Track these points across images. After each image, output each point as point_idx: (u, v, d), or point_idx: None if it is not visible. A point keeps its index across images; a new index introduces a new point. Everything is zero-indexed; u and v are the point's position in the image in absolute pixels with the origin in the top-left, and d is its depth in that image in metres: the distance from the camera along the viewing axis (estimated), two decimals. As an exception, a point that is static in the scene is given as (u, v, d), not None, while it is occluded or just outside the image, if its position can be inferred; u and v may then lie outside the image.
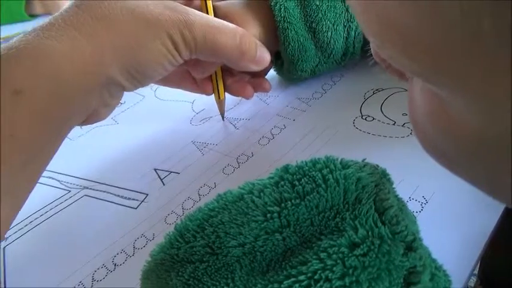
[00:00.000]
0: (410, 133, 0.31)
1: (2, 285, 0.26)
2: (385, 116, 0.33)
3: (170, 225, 0.27)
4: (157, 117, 0.39)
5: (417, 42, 0.10)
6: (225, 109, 0.36)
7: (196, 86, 0.33)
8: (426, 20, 0.10)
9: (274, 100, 0.38)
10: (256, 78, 0.35)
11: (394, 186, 0.16)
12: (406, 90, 0.37)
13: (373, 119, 0.33)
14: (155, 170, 0.32)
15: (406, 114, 0.33)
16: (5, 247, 0.28)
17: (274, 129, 0.34)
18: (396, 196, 0.16)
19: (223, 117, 0.36)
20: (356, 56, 0.37)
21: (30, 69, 0.19)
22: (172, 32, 0.23)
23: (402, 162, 0.27)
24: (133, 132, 0.37)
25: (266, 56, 0.29)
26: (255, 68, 0.29)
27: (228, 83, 0.33)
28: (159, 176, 0.31)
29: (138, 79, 0.24)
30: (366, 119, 0.33)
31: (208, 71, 0.31)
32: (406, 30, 0.10)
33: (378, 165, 0.16)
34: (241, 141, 0.33)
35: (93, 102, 0.23)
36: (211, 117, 0.37)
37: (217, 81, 0.32)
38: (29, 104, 0.19)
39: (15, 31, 0.67)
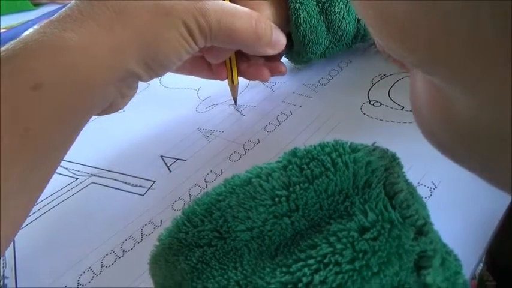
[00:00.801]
0: (419, 118, 0.30)
1: (13, 271, 0.26)
2: (393, 101, 0.32)
3: (177, 211, 0.27)
4: (163, 104, 0.39)
5: (415, 35, 0.10)
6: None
7: (209, 72, 0.33)
8: (424, 11, 0.09)
9: (280, 87, 0.38)
10: (272, 61, 0.34)
11: (404, 170, 0.16)
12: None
13: (381, 104, 0.32)
14: (162, 157, 0.32)
15: (415, 100, 0.33)
16: (15, 234, 0.29)
17: (281, 115, 0.34)
18: (406, 180, 0.16)
19: (235, 102, 0.36)
20: (366, 38, 0.36)
21: (49, 62, 0.19)
22: (187, 21, 0.23)
23: (411, 147, 0.27)
24: (139, 120, 0.37)
25: (281, 39, 0.29)
26: (271, 51, 0.29)
27: (243, 68, 0.33)
28: (165, 163, 0.31)
29: (154, 69, 0.24)
30: (373, 104, 0.32)
31: (224, 56, 0.30)
32: (404, 23, 0.10)
33: (387, 149, 0.16)
34: (248, 128, 0.33)
35: (111, 94, 0.23)
36: (216, 104, 0.37)
37: (231, 66, 0.32)
38: (48, 98, 0.19)
39: (19, 20, 0.67)
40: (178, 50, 0.24)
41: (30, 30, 0.21)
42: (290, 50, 0.36)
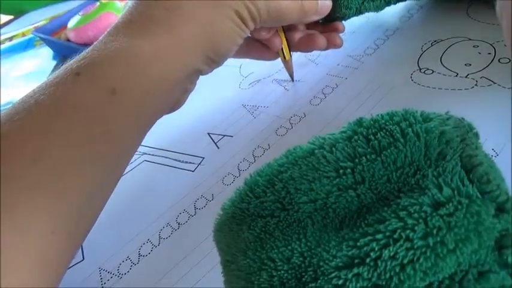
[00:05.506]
0: (475, 84, 0.28)
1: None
2: (445, 68, 0.31)
3: (228, 186, 0.28)
4: (205, 83, 0.39)
5: None
6: (275, 70, 0.35)
7: (261, 49, 0.32)
8: None
9: (323, 59, 0.36)
10: (328, 31, 0.32)
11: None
12: (468, 39, 0.34)
13: (433, 71, 0.31)
14: (209, 134, 0.33)
15: (470, 65, 0.31)
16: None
17: (326, 88, 0.33)
18: (484, 152, 0.15)
19: (292, 78, 0.35)
20: None
21: (124, 69, 0.20)
22: (239, 9, 0.23)
23: (468, 115, 0.26)
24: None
25: (327, 3, 0.29)
26: (317, 18, 0.29)
27: (295, 40, 0.31)
28: (213, 140, 0.32)
29: (215, 61, 0.24)
30: (424, 72, 0.31)
31: (272, 28, 0.30)
32: None
33: (463, 118, 0.15)
34: (293, 102, 0.33)
35: (179, 93, 0.25)
36: (259, 80, 0.37)
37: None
38: (124, 103, 0.20)
39: (64, 9, 0.69)
40: (234, 37, 0.24)
41: (101, 38, 0.22)
42: None
